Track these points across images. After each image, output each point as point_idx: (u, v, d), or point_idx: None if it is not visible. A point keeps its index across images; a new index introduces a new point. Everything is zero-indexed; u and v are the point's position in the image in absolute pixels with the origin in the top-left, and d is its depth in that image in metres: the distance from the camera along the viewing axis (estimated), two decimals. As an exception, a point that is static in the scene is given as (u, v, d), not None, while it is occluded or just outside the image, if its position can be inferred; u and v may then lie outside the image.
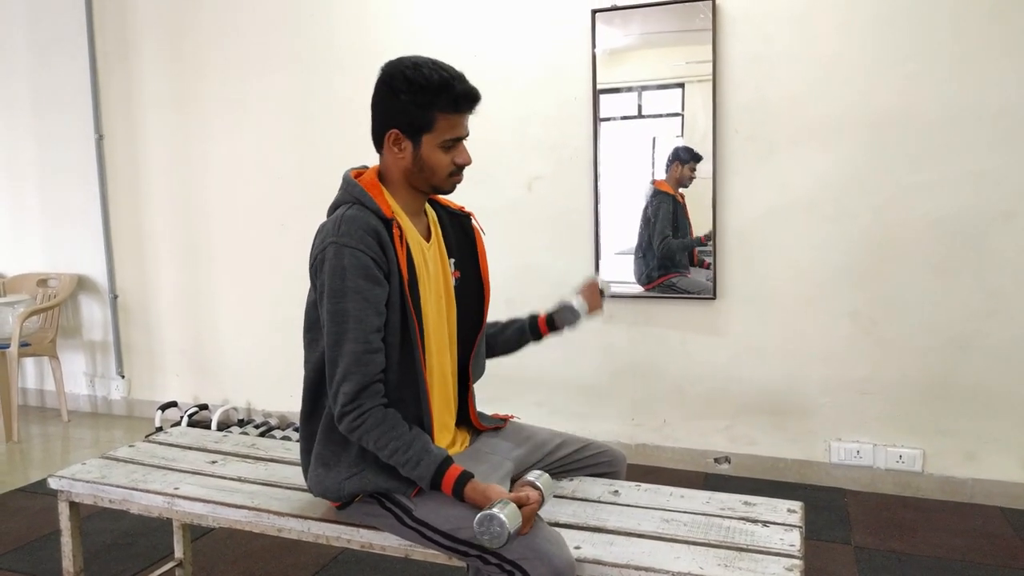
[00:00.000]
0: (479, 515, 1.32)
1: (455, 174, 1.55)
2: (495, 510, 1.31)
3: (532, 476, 1.44)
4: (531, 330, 1.83)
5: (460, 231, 1.70)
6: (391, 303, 1.47)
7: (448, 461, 1.43)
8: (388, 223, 1.48)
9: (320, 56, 3.52)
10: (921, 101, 2.69)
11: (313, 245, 1.51)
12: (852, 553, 2.42)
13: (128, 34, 3.88)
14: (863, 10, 2.73)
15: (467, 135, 1.54)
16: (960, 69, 2.64)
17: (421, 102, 1.46)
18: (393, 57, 1.55)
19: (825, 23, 2.78)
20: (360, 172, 1.59)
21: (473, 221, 1.72)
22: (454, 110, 1.47)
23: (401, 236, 1.49)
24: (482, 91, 1.54)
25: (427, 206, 1.65)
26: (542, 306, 3.22)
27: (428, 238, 1.61)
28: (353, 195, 1.52)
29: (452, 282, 1.66)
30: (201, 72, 3.76)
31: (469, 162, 1.54)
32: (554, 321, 1.81)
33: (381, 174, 1.57)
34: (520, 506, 1.35)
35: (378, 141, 1.56)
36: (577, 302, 1.75)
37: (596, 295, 1.82)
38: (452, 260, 1.66)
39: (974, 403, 2.74)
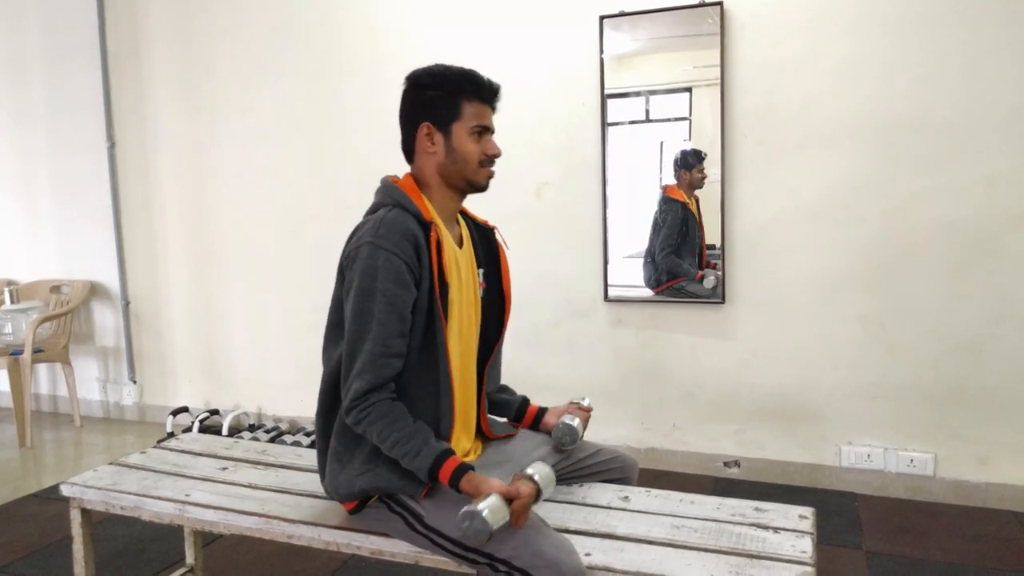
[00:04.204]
0: (462, 511, 1.32)
1: (486, 164, 1.59)
2: (478, 507, 1.31)
3: (531, 469, 1.43)
4: (516, 413, 1.82)
5: (486, 243, 1.74)
6: (418, 307, 1.49)
7: (447, 453, 1.44)
8: (427, 227, 1.50)
9: (329, 63, 3.54)
10: (931, 105, 2.68)
11: (347, 243, 1.54)
12: (864, 558, 2.40)
13: (139, 43, 3.91)
14: (873, 14, 2.72)
15: (494, 129, 1.60)
16: (970, 72, 2.63)
17: (448, 90, 1.54)
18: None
19: (834, 27, 2.77)
20: (397, 179, 1.61)
21: (497, 235, 1.75)
22: (479, 98, 1.56)
23: (438, 241, 1.51)
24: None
25: (458, 216, 1.69)
26: (553, 315, 3.23)
27: (461, 245, 1.65)
28: (394, 198, 1.54)
29: (479, 291, 1.69)
30: (212, 80, 3.79)
31: (498, 153, 1.60)
32: (539, 427, 1.81)
33: (417, 181, 1.60)
34: (510, 501, 1.34)
35: (409, 146, 1.60)
36: (576, 423, 1.74)
37: (586, 414, 1.82)
38: (480, 271, 1.70)
39: (986, 407, 2.72)
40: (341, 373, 1.50)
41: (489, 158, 1.59)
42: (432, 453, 1.43)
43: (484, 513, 1.30)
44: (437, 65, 1.57)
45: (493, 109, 1.60)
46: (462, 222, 1.70)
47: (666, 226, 3.05)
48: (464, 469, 1.42)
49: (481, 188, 1.61)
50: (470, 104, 1.55)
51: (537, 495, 1.40)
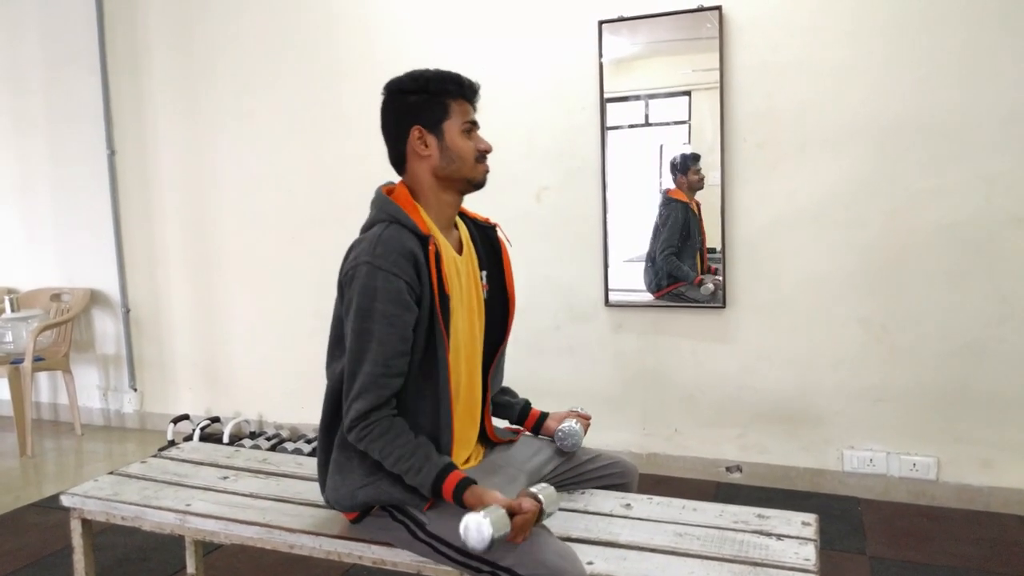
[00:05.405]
0: (465, 517, 1.32)
1: (481, 160, 1.59)
2: (481, 514, 1.31)
3: (536, 488, 1.43)
4: (518, 416, 1.84)
5: (488, 243, 1.72)
6: (419, 325, 1.48)
7: (450, 468, 1.43)
8: (425, 241, 1.49)
9: (328, 69, 3.54)
10: (931, 107, 2.68)
11: (345, 260, 1.53)
12: (867, 563, 2.39)
13: (139, 51, 3.92)
14: (872, 17, 2.72)
15: (479, 125, 1.61)
16: (969, 74, 2.63)
17: (433, 91, 1.55)
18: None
19: (833, 31, 2.77)
20: (391, 188, 1.59)
21: (499, 232, 1.73)
22: (462, 96, 1.57)
23: (436, 254, 1.49)
24: (490, 103, 1.61)
25: (457, 219, 1.67)
26: (553, 320, 3.23)
27: (460, 251, 1.63)
28: (389, 213, 1.53)
29: (483, 295, 1.67)
30: (211, 87, 3.79)
31: (489, 148, 1.60)
32: (540, 431, 1.83)
33: (412, 190, 1.59)
34: (512, 514, 1.34)
35: (399, 155, 1.59)
36: (579, 426, 1.76)
37: (586, 421, 1.84)
38: (483, 273, 1.68)
39: (989, 409, 2.71)
40: (343, 390, 1.49)
41: (482, 153, 1.59)
42: (434, 468, 1.42)
43: (486, 521, 1.30)
44: (415, 70, 1.58)
45: (475, 107, 1.61)
46: (461, 224, 1.68)
47: (667, 227, 3.05)
48: (467, 483, 1.41)
49: (479, 185, 1.60)
50: (456, 103, 1.56)
51: (540, 514, 1.39)
